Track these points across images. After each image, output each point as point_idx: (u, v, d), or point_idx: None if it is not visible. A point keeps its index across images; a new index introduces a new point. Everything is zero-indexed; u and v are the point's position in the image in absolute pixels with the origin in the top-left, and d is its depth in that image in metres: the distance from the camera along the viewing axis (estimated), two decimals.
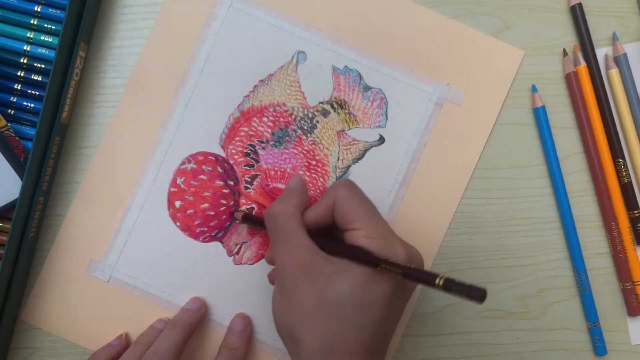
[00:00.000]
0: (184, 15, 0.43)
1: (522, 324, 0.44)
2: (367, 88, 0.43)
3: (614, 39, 0.44)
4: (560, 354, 0.44)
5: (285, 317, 0.34)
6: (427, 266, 0.43)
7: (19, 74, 0.42)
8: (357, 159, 0.43)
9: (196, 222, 0.43)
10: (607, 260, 0.44)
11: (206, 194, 0.43)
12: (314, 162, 0.43)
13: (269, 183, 0.43)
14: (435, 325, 0.44)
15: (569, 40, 0.44)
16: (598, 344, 0.43)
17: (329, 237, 0.37)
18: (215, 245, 0.43)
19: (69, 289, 0.43)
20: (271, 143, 0.43)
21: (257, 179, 0.43)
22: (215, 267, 0.43)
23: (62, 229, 0.43)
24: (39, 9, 0.41)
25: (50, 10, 0.42)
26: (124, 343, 0.42)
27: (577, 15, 0.44)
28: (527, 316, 0.44)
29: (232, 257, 0.43)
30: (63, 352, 0.43)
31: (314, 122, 0.43)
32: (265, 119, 0.43)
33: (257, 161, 0.43)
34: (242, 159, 0.43)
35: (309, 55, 0.43)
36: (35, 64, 0.42)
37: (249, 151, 0.43)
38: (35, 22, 0.42)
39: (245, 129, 0.43)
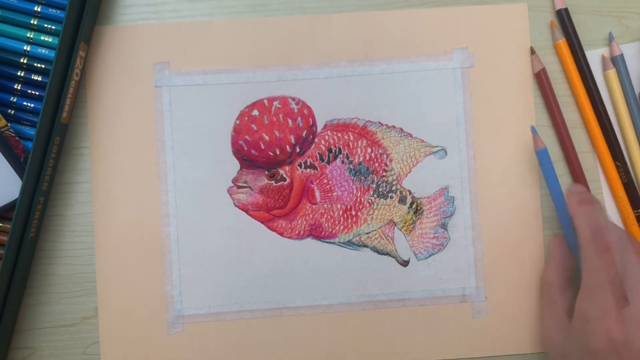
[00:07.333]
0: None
1: None
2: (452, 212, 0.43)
3: (610, 39, 0.44)
4: None
5: None
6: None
7: (19, 74, 0.42)
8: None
9: (253, 151, 0.42)
10: None
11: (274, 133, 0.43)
12: (353, 212, 0.43)
13: (313, 182, 0.43)
14: None
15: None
16: None
17: None
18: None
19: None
20: (351, 166, 0.43)
21: (312, 170, 0.43)
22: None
23: None
24: (39, 9, 0.41)
25: (50, 10, 0.42)
26: None
27: (564, 20, 0.44)
28: None
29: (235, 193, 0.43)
30: (63, 352, 0.43)
31: (390, 194, 0.43)
32: (369, 150, 0.43)
33: (329, 163, 0.43)
34: (324, 148, 0.43)
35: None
36: (35, 64, 0.42)
37: (335, 150, 0.43)
38: (35, 22, 0.42)
39: (352, 137, 0.43)
